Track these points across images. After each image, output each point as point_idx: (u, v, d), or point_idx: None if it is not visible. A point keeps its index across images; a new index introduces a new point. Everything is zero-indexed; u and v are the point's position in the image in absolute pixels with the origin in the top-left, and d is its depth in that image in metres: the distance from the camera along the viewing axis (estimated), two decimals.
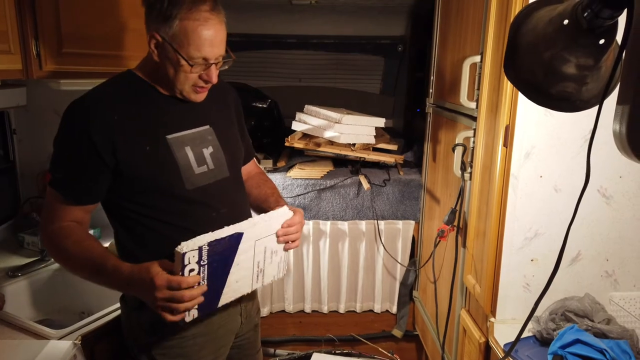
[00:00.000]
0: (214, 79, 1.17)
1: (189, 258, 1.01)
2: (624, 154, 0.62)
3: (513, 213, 1.42)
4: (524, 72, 0.70)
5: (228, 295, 1.15)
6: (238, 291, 1.18)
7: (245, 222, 1.13)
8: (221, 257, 1.09)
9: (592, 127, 0.68)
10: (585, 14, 0.60)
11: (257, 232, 1.16)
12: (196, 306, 1.07)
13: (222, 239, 1.06)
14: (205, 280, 1.06)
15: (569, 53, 0.63)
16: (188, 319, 1.07)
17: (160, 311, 1.03)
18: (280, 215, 1.22)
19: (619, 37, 0.65)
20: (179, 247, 1.00)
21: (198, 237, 1.04)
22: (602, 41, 0.62)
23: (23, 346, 1.27)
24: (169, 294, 1.01)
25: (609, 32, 0.62)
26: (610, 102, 0.63)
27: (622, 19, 0.62)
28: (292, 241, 1.26)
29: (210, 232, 1.06)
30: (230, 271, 1.12)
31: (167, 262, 1.05)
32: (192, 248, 1.01)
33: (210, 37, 1.11)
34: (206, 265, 1.05)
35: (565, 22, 0.62)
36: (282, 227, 1.23)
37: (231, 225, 1.10)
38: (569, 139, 1.38)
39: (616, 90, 0.61)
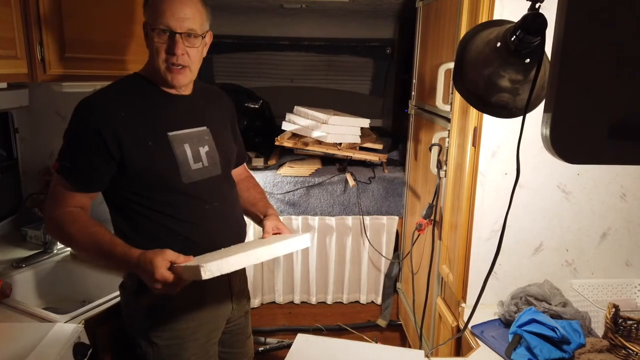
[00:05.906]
0: (178, 51, 1.21)
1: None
2: (548, 151, 0.75)
3: (481, 207, 1.55)
4: (469, 84, 0.83)
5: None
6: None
7: (265, 252, 1.17)
8: None
9: None
10: (512, 39, 0.73)
11: (274, 255, 1.20)
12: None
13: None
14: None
15: (502, 70, 0.76)
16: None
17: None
18: (297, 243, 1.24)
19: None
20: (202, 270, 1.04)
21: (221, 263, 1.06)
22: (527, 60, 0.74)
23: (32, 327, 1.37)
24: (163, 286, 1.12)
25: (533, 54, 0.74)
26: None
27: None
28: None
29: (232, 258, 1.09)
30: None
31: (172, 253, 1.14)
32: (213, 275, 1.05)
33: (172, 6, 1.19)
34: None
35: (498, 44, 0.75)
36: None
37: (252, 253, 1.13)
38: (531, 140, 1.48)
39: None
